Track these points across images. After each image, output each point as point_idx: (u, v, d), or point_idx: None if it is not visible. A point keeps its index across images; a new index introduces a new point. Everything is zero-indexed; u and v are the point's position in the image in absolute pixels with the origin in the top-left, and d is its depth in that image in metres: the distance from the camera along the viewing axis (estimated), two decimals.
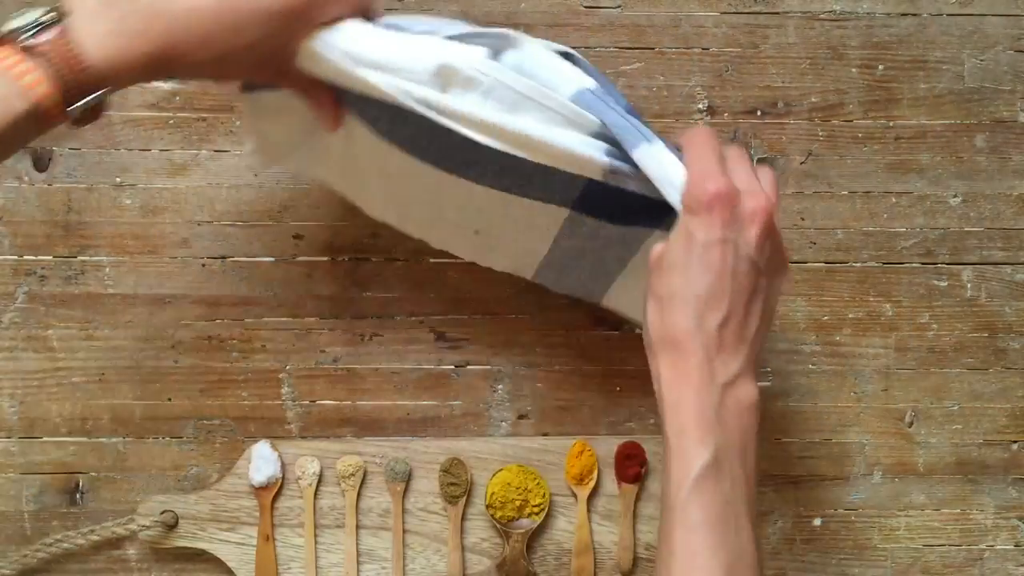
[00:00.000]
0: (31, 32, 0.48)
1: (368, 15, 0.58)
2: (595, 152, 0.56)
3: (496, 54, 0.58)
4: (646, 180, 0.55)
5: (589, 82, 0.58)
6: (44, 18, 0.48)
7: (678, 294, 0.52)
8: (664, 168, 0.55)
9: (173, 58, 0.51)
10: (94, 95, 0.49)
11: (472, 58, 0.56)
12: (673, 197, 0.54)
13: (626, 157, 0.56)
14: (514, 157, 0.56)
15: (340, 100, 0.61)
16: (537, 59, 0.59)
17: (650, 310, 0.54)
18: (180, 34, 0.51)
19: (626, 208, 0.61)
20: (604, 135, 0.57)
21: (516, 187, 0.62)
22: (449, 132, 0.56)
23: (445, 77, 0.56)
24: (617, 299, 0.71)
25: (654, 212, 0.58)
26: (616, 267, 0.68)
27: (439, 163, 0.62)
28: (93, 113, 0.51)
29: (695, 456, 0.50)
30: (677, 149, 0.55)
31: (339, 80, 0.57)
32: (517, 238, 0.67)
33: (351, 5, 0.56)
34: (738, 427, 0.51)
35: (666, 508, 0.51)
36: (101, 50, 0.49)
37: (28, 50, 0.48)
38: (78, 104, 0.49)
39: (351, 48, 0.55)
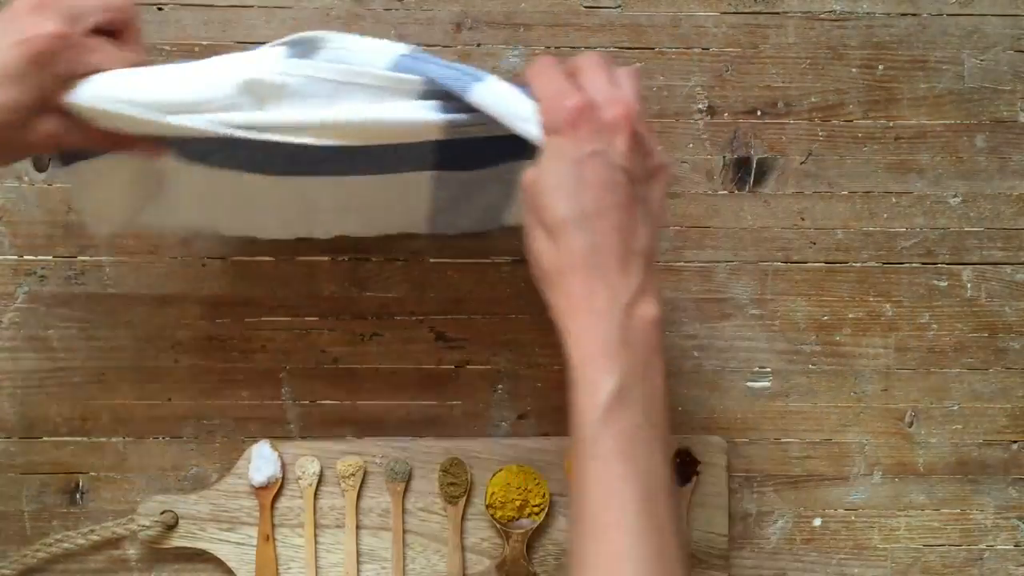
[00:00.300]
0: None
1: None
2: (427, 113, 0.54)
3: (308, 52, 0.56)
4: (492, 121, 0.54)
5: (402, 48, 0.56)
6: None
7: (563, 217, 0.50)
8: (507, 102, 0.53)
9: None
10: None
11: (271, 63, 0.54)
12: (525, 128, 0.53)
13: (463, 106, 0.54)
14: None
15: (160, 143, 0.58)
16: (346, 44, 0.57)
17: (537, 240, 0.52)
18: None
19: (485, 152, 0.61)
20: (433, 91, 0.55)
21: (374, 168, 0.62)
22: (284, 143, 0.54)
23: (255, 92, 0.53)
24: (518, 216, 0.68)
25: (515, 146, 0.55)
26: (504, 193, 0.67)
27: (290, 171, 0.61)
28: None
29: (602, 385, 0.48)
30: (523, 87, 0.54)
31: (145, 131, 0.54)
32: (396, 206, 0.68)
33: (112, 58, 0.54)
34: (644, 347, 0.50)
35: (576, 441, 0.49)
36: None
37: None
38: None
39: (138, 96, 0.53)
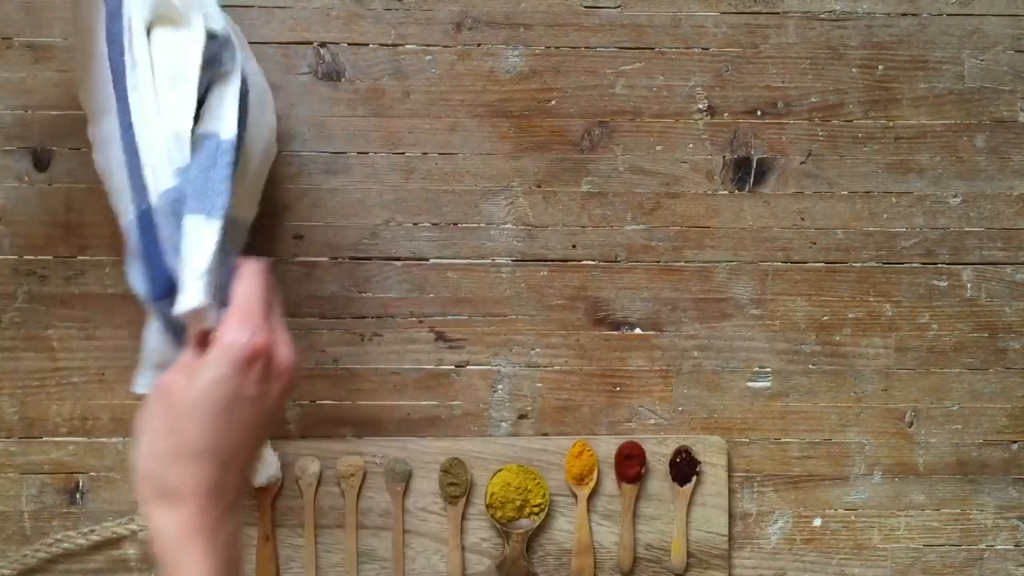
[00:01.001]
0: None
1: None
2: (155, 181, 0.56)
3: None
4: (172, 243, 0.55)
5: (230, 132, 0.57)
6: None
7: (190, 446, 0.50)
8: (193, 248, 0.54)
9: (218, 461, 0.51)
10: None
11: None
12: (186, 279, 0.53)
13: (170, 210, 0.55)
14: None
15: None
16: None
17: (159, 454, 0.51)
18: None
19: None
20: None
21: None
22: None
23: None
24: None
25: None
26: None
27: None
28: None
29: None
30: (231, 269, 0.55)
31: None
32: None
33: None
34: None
35: None
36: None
37: None
38: None
39: None
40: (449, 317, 0.76)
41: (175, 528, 0.49)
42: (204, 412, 0.50)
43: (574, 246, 0.76)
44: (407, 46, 0.76)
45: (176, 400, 0.50)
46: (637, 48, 0.76)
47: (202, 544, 0.49)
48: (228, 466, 0.50)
